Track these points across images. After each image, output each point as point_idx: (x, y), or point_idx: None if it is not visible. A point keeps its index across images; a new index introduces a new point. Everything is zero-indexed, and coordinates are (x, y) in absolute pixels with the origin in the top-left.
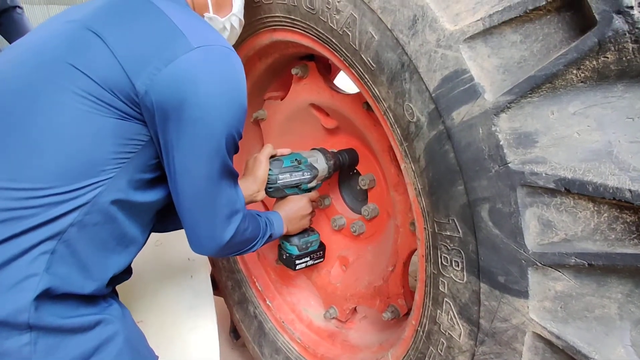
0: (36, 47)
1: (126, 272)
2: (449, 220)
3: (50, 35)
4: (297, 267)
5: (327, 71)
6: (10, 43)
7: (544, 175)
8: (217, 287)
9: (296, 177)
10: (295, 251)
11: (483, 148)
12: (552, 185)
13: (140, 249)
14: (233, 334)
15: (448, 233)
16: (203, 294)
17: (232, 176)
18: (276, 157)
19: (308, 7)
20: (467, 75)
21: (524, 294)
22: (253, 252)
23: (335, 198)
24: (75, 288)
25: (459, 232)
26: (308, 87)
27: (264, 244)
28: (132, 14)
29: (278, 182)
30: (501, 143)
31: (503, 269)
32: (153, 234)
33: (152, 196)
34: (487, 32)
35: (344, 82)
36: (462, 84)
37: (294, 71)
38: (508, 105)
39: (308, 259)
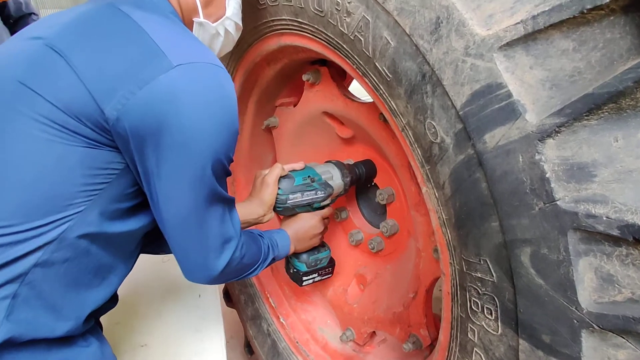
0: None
1: (110, 302)
2: (480, 260)
3: (10, 54)
4: (304, 283)
5: (341, 77)
6: None
7: (604, 218)
8: (231, 300)
9: (308, 196)
10: (303, 268)
11: (524, 180)
12: (615, 232)
13: (124, 277)
14: (247, 348)
15: (479, 275)
16: (211, 316)
17: (223, 202)
18: (287, 175)
19: (316, 9)
20: (503, 91)
21: None
22: (255, 275)
23: (352, 211)
24: (44, 332)
25: (492, 275)
26: (321, 94)
27: (267, 267)
28: (103, 31)
29: (288, 202)
30: (547, 175)
31: (548, 326)
32: None
33: (132, 224)
34: (529, 38)
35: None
36: (496, 100)
37: (305, 77)
38: (557, 129)
39: (316, 275)
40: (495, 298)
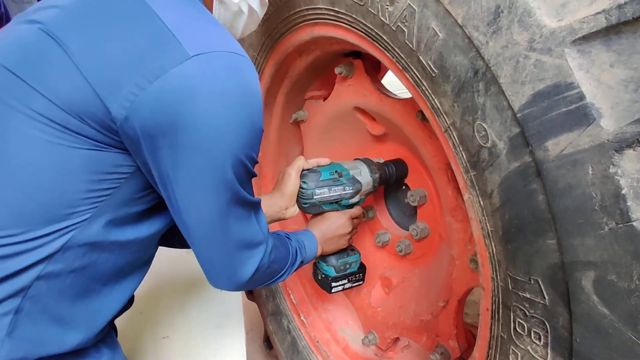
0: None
1: (125, 305)
2: (530, 280)
3: (4, 39)
4: (333, 290)
5: (375, 71)
6: None
7: None
8: (252, 292)
9: (336, 192)
10: (332, 272)
11: (593, 195)
12: None
13: (140, 281)
14: (266, 343)
15: (527, 295)
16: (232, 312)
17: (248, 206)
18: (313, 169)
19: None
20: (574, 92)
21: None
22: (283, 280)
23: (380, 211)
24: (52, 348)
25: (544, 297)
26: (353, 88)
27: (295, 271)
28: (108, 14)
29: (315, 197)
30: (623, 192)
31: None
32: None
33: (145, 230)
34: (612, 31)
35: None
36: (564, 103)
37: (337, 70)
38: (639, 139)
39: (346, 281)
40: (546, 322)
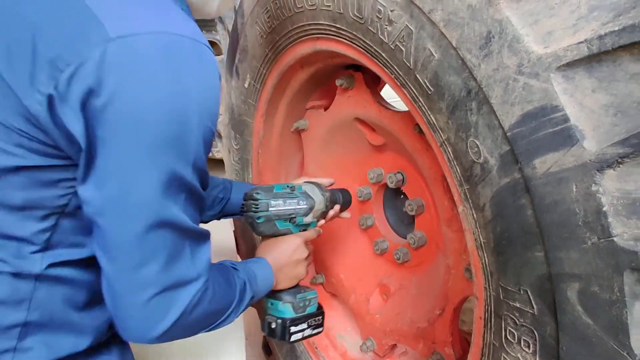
0: None
1: None
2: (519, 290)
3: None
4: (293, 338)
5: (375, 83)
6: None
7: None
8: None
9: (291, 205)
10: (289, 312)
11: (577, 211)
12: None
13: None
14: (265, 348)
15: (517, 305)
16: None
17: (182, 234)
18: (266, 185)
19: (356, 15)
20: (559, 114)
21: None
22: (226, 325)
23: (379, 218)
24: (67, 350)
25: (532, 307)
26: (353, 99)
27: (243, 311)
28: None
29: (270, 209)
30: (604, 209)
31: None
32: None
33: None
34: (593, 59)
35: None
36: (550, 124)
37: (338, 82)
38: (619, 159)
39: (305, 325)
40: (535, 331)
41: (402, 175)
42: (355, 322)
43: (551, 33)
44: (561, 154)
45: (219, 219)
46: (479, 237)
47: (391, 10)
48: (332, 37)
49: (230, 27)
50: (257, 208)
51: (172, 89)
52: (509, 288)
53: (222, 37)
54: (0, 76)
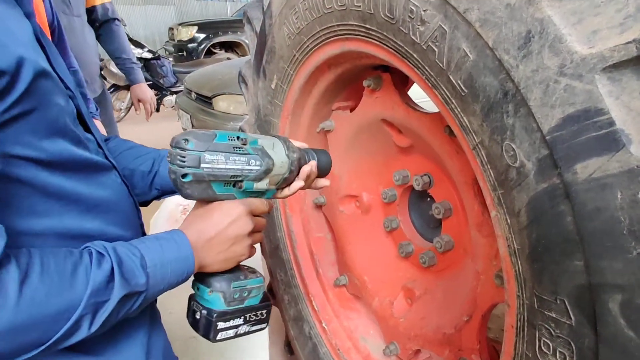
0: None
1: None
2: (556, 300)
3: None
4: (219, 337)
5: (402, 84)
6: (108, 53)
7: None
8: (275, 297)
9: (236, 164)
10: (218, 304)
11: (621, 219)
12: None
13: None
14: (287, 347)
15: (553, 315)
16: None
17: None
18: (206, 131)
19: (387, 15)
20: (604, 117)
21: None
22: (75, 341)
23: (404, 221)
24: None
25: (570, 318)
26: (381, 100)
27: (112, 319)
28: None
29: (203, 165)
30: None
31: None
32: None
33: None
34: None
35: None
36: (594, 128)
37: (365, 83)
38: None
39: (241, 321)
40: (572, 343)
41: (429, 177)
42: (379, 326)
43: (596, 32)
44: (605, 159)
45: (158, 198)
46: (513, 244)
47: (424, 10)
48: (362, 37)
49: (258, 29)
50: (184, 161)
51: None
52: (545, 297)
53: (250, 39)
54: None
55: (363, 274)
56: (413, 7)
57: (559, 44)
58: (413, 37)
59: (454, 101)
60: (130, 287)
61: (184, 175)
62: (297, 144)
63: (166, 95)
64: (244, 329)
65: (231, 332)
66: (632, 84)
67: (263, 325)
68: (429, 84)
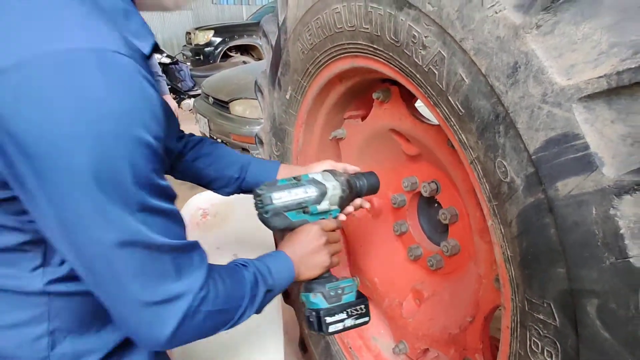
0: None
1: None
2: (543, 303)
3: None
4: (331, 329)
5: (410, 96)
6: None
7: None
8: (289, 297)
9: (297, 195)
10: (322, 303)
11: (596, 232)
12: None
13: None
14: (301, 345)
15: (541, 317)
16: (271, 315)
17: (156, 250)
18: (271, 181)
19: (392, 38)
20: (580, 142)
21: None
22: (244, 321)
23: (413, 225)
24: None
25: (555, 320)
26: (389, 112)
27: (262, 305)
28: None
29: (274, 201)
30: (622, 231)
31: None
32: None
33: None
34: (612, 93)
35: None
36: (572, 150)
37: (375, 95)
38: (635, 187)
39: (345, 315)
40: (557, 342)
41: (436, 184)
42: (389, 325)
43: (574, 66)
44: (582, 178)
45: (239, 193)
46: (507, 251)
47: (425, 37)
48: (370, 56)
49: (273, 42)
50: (262, 202)
51: (75, 111)
52: (534, 301)
53: (266, 51)
54: None
55: (374, 276)
56: (415, 33)
57: (542, 75)
58: (416, 60)
59: (453, 119)
60: (267, 286)
61: (266, 212)
62: (351, 168)
63: (184, 99)
64: (349, 322)
65: (340, 326)
66: (605, 113)
67: (366, 319)
68: (431, 102)
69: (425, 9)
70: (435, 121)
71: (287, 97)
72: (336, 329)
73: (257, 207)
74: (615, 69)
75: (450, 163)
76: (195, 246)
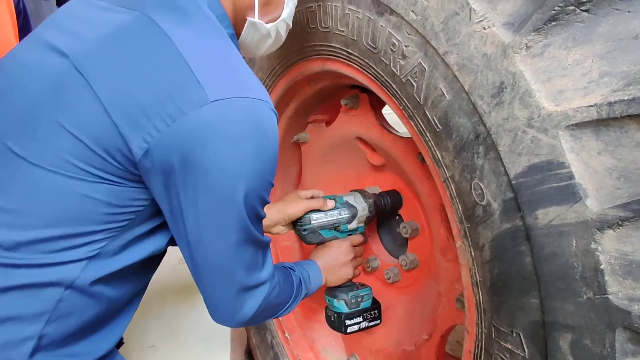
0: (19, 84)
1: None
2: (512, 332)
3: (27, 65)
4: (349, 330)
5: (379, 105)
6: None
7: None
8: None
9: (332, 216)
10: (344, 308)
11: (575, 265)
12: None
13: (136, 308)
14: (248, 355)
15: (509, 346)
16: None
17: (257, 246)
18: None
19: (369, 44)
20: (564, 171)
21: None
22: (287, 314)
23: (371, 237)
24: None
25: (524, 351)
26: (357, 119)
27: (298, 304)
28: (135, 54)
29: (312, 222)
30: (602, 267)
31: None
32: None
33: (153, 245)
34: (601, 123)
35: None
36: (555, 179)
37: (343, 102)
38: (619, 222)
39: (361, 319)
40: None
41: None
42: (341, 338)
43: (562, 92)
44: (564, 208)
45: None
46: (475, 275)
47: (406, 46)
48: (343, 60)
49: None
50: (302, 223)
51: (255, 144)
52: (502, 328)
53: None
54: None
55: None
56: (395, 41)
57: (529, 98)
58: (393, 69)
59: (428, 135)
60: (307, 289)
61: (304, 230)
62: (372, 189)
63: None
64: (364, 324)
65: (356, 327)
66: (592, 143)
67: (378, 322)
68: (406, 115)
69: (408, 17)
70: (404, 133)
71: None
72: (353, 330)
73: (296, 225)
74: (606, 99)
75: (418, 177)
76: (269, 243)
